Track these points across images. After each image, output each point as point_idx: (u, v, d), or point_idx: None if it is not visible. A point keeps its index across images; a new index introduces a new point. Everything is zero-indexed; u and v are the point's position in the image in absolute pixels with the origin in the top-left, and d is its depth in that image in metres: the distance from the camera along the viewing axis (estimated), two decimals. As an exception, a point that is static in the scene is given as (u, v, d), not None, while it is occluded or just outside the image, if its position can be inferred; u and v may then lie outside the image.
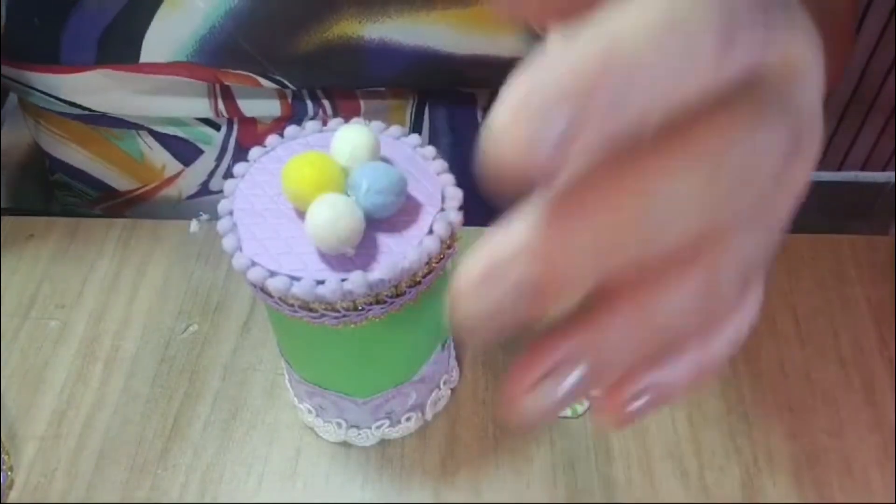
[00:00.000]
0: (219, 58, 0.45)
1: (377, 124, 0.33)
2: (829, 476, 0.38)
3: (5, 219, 0.49)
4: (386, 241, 0.30)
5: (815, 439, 0.39)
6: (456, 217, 0.30)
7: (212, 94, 0.47)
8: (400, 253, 0.29)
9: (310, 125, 0.33)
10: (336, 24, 0.43)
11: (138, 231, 0.48)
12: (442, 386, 0.39)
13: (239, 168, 0.32)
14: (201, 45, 0.44)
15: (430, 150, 0.32)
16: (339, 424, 0.38)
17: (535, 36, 0.44)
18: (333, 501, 0.38)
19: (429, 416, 0.39)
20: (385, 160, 0.31)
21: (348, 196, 0.29)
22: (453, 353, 0.40)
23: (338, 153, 0.30)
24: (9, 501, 0.38)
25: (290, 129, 0.33)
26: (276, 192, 0.31)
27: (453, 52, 0.45)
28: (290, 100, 0.48)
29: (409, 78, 0.47)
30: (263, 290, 0.29)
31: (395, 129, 0.33)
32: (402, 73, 0.46)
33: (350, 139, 0.30)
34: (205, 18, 0.43)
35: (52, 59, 0.45)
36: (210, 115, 0.48)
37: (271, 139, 0.33)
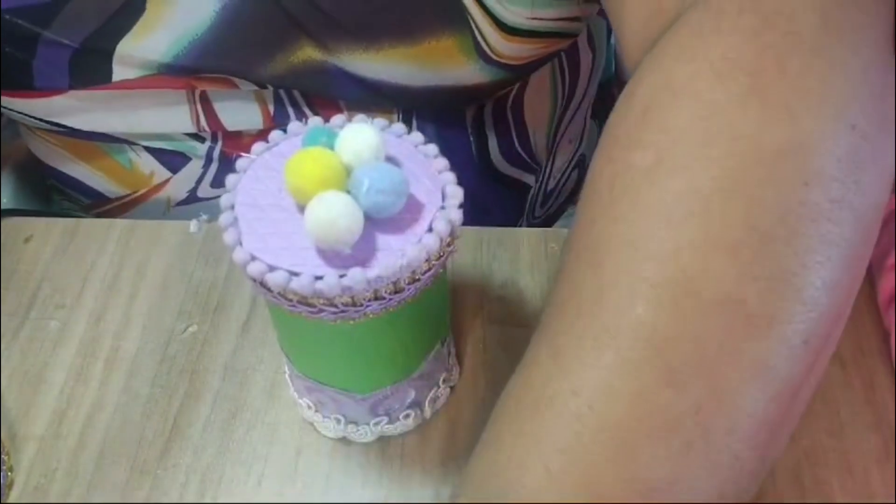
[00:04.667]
0: (192, 69, 0.45)
1: (380, 121, 0.33)
2: (829, 476, 0.38)
3: (5, 220, 0.49)
4: (386, 237, 0.30)
5: (815, 439, 0.39)
6: (456, 215, 0.30)
7: (191, 101, 0.47)
8: (399, 250, 0.29)
9: (312, 121, 0.33)
10: (300, 51, 0.44)
11: (138, 231, 0.48)
12: (441, 384, 0.39)
13: (241, 163, 0.32)
14: (174, 61, 0.44)
15: (432, 148, 0.32)
16: (337, 420, 0.38)
17: (489, 62, 0.45)
18: (333, 501, 0.38)
19: (427, 413, 0.39)
20: (386, 157, 0.31)
21: (349, 194, 0.29)
22: (453, 351, 0.40)
23: (342, 151, 0.30)
24: (9, 501, 0.38)
25: (294, 125, 0.33)
26: (278, 188, 0.31)
27: (409, 84, 0.46)
28: (271, 107, 0.48)
29: (378, 101, 0.48)
30: (263, 284, 0.30)
31: (397, 127, 0.33)
32: (368, 96, 0.47)
33: (355, 138, 0.30)
34: (169, 47, 0.44)
35: (27, 86, 0.46)
36: (192, 128, 0.48)
37: (274, 134, 0.33)
